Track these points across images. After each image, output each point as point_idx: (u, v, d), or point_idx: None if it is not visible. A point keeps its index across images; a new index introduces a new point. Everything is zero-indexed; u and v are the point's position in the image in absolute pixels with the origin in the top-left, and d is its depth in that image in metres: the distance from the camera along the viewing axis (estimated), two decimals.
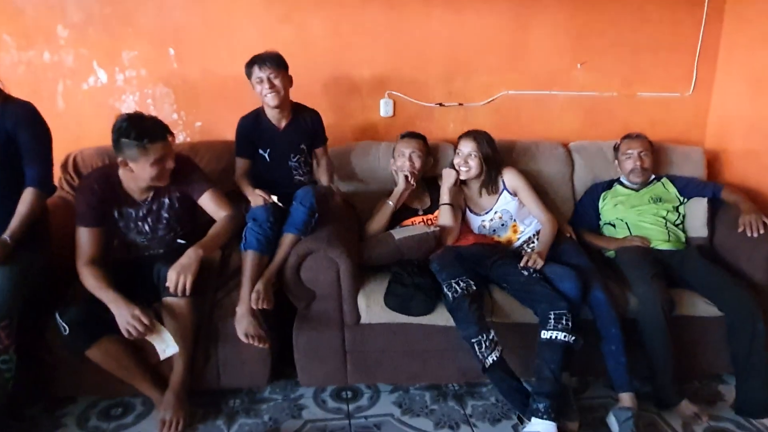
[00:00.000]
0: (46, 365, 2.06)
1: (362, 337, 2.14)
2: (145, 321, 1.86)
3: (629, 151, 2.58)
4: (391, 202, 2.38)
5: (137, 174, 1.95)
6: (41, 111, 2.02)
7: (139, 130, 1.88)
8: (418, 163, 2.46)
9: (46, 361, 2.05)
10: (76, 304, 1.93)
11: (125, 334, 1.87)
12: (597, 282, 2.11)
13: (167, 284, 1.89)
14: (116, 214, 2.05)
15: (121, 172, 1.99)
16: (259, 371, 2.15)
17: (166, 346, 1.95)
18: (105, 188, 2.00)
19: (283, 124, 2.40)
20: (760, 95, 2.74)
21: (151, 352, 2.01)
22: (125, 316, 1.85)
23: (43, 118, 2.03)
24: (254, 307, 1.97)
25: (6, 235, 1.87)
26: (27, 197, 1.94)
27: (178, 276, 1.88)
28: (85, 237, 1.97)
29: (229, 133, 2.82)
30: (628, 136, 2.64)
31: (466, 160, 2.42)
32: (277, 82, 2.26)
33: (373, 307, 2.10)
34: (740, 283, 2.17)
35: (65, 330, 1.88)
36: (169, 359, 2.00)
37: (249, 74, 2.31)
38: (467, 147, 2.43)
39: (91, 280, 1.92)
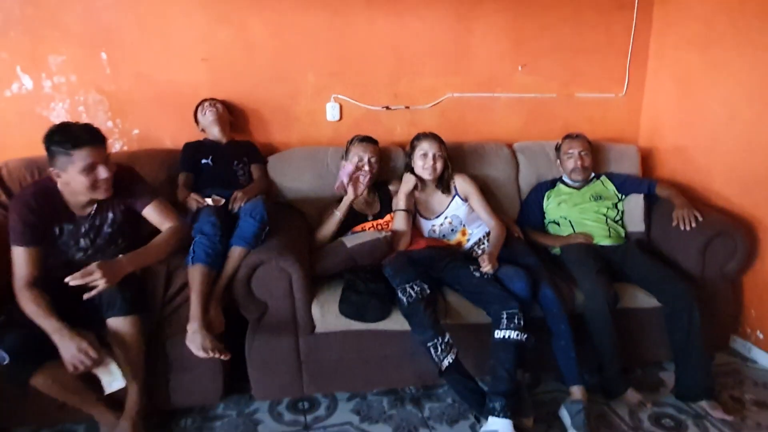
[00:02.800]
0: None
1: (317, 346, 2.11)
2: (93, 355, 1.75)
3: (570, 151, 2.67)
4: (338, 213, 2.34)
5: (72, 186, 1.84)
6: None
7: (65, 135, 1.79)
8: (375, 168, 2.45)
9: None
10: (14, 330, 1.78)
11: (70, 369, 1.74)
12: (545, 280, 2.16)
13: (81, 271, 1.73)
14: (56, 230, 1.92)
15: (60, 186, 1.87)
16: (211, 388, 2.09)
17: (113, 379, 1.83)
18: (43, 204, 1.87)
19: (225, 141, 2.60)
20: (686, 95, 2.90)
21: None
22: (71, 349, 1.73)
23: None
24: (207, 353, 1.87)
25: None
26: None
27: (98, 269, 1.73)
28: (21, 257, 1.83)
29: (168, 141, 2.74)
30: (568, 136, 2.73)
31: (434, 161, 2.43)
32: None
33: (327, 315, 2.07)
34: (677, 275, 2.29)
35: (5, 359, 1.73)
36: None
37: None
38: (432, 148, 2.43)
39: (31, 306, 1.78)
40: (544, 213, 2.71)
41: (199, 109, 2.62)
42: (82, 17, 2.54)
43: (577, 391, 2.09)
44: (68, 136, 1.78)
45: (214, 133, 2.57)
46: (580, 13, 2.99)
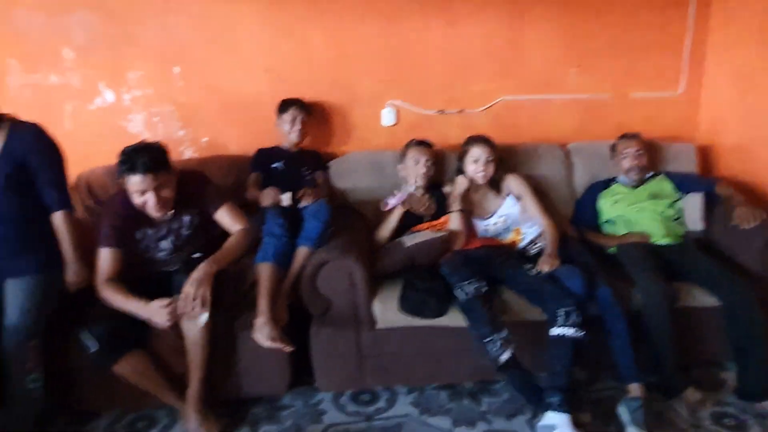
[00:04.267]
0: (69, 382, 2.11)
1: (378, 341, 2.21)
2: (171, 306, 1.91)
3: (626, 151, 2.67)
4: (393, 216, 2.45)
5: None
6: (49, 133, 2.03)
7: (125, 159, 1.93)
8: (431, 171, 2.55)
9: (69, 378, 2.10)
10: (102, 322, 1.98)
11: (164, 326, 1.91)
12: (602, 279, 2.19)
13: (181, 300, 1.92)
14: (138, 234, 2.10)
15: None
16: (278, 379, 2.21)
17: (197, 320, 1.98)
18: (128, 210, 2.04)
19: (295, 149, 2.78)
20: (748, 91, 2.84)
21: (174, 363, 2.07)
22: (155, 310, 1.90)
23: (51, 137, 2.02)
24: (273, 342, 2.01)
25: (72, 266, 2.00)
26: (60, 221, 1.99)
27: (195, 291, 1.92)
28: (106, 257, 2.02)
29: (234, 147, 2.92)
30: (624, 136, 2.73)
31: (485, 165, 2.50)
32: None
33: (387, 312, 2.17)
34: (737, 274, 2.26)
35: (93, 347, 1.93)
36: (185, 374, 2.05)
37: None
38: (484, 152, 2.50)
39: (112, 296, 1.98)
40: (597, 213, 2.72)
41: (285, 113, 2.71)
42: (158, 35, 2.75)
43: (635, 389, 2.10)
44: (126, 161, 1.93)
45: (291, 139, 2.71)
46: (634, 11, 2.99)
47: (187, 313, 1.93)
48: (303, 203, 2.39)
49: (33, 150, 1.95)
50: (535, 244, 2.46)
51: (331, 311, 2.19)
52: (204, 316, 1.96)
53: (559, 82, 3.05)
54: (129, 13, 2.71)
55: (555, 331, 2.02)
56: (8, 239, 1.95)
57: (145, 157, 1.93)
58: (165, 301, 1.91)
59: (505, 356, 1.98)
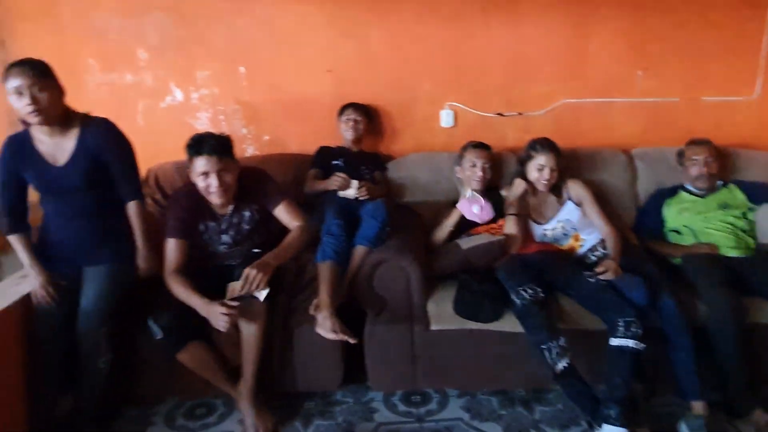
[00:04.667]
0: (136, 368, 2.22)
1: (432, 343, 2.21)
2: (231, 310, 1.96)
3: (694, 158, 2.56)
4: (450, 219, 2.44)
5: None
6: (122, 129, 2.13)
7: (193, 143, 2.04)
8: (488, 174, 2.53)
9: (136, 364, 2.21)
10: (167, 311, 2.06)
11: (222, 328, 1.96)
12: (666, 289, 2.11)
13: (241, 279, 1.98)
14: (201, 227, 2.18)
15: None
16: (332, 375, 2.25)
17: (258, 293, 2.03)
18: (192, 203, 2.14)
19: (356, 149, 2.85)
20: None
21: (232, 355, 2.15)
22: (216, 314, 1.96)
23: (122, 131, 2.11)
24: (337, 334, 2.05)
25: (143, 253, 2.13)
26: (133, 211, 2.12)
27: (256, 273, 1.97)
28: (173, 248, 2.11)
29: (294, 146, 2.99)
30: (692, 142, 2.62)
31: (550, 174, 2.45)
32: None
33: (442, 313, 2.17)
34: None
35: (159, 334, 2.02)
36: (239, 367, 2.12)
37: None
38: (551, 161, 2.45)
39: (178, 288, 2.06)
40: (662, 221, 2.63)
41: (343, 114, 2.80)
42: (225, 36, 2.86)
43: (697, 406, 2.02)
44: (194, 144, 2.04)
45: (349, 139, 2.79)
46: (706, 13, 2.86)
47: (247, 291, 1.99)
48: (361, 196, 2.45)
49: (106, 144, 2.04)
50: (595, 251, 2.40)
51: (386, 310, 2.21)
52: (264, 292, 2.02)
53: (624, 85, 2.96)
54: (199, 16, 2.82)
55: (615, 342, 1.97)
56: (87, 231, 2.07)
57: (212, 141, 2.03)
58: (225, 309, 1.95)
59: (562, 364, 1.95)
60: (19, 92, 1.84)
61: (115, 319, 2.07)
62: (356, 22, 2.86)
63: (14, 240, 2.05)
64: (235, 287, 2.02)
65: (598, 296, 2.09)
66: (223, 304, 1.96)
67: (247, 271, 1.99)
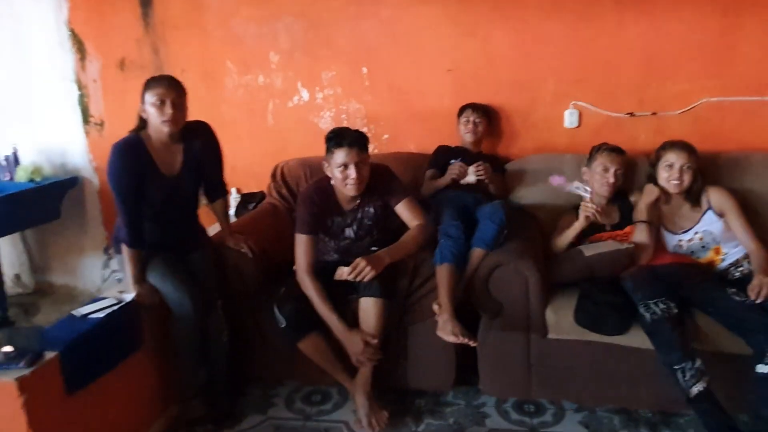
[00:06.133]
0: (260, 349, 2.37)
1: (548, 351, 2.14)
2: (371, 351, 2.11)
3: None
4: (576, 225, 2.29)
5: (334, 180, 2.17)
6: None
7: (334, 135, 2.15)
8: (620, 180, 2.39)
9: (260, 346, 2.36)
10: (291, 301, 2.18)
11: (356, 364, 2.14)
12: None
13: (350, 266, 2.08)
14: (329, 222, 2.27)
15: (333, 183, 2.21)
16: (444, 375, 2.25)
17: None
18: (322, 199, 2.23)
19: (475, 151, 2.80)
20: None
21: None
22: (352, 342, 2.12)
23: (215, 132, 2.23)
24: (458, 337, 2.04)
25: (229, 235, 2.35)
26: (222, 205, 2.37)
27: (365, 264, 2.05)
28: (303, 243, 2.20)
29: (413, 145, 3.02)
30: None
31: (680, 173, 2.28)
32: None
33: (561, 322, 2.09)
34: None
35: (283, 323, 2.14)
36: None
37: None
38: (681, 158, 2.27)
39: (311, 292, 2.16)
40: None
41: (462, 115, 2.78)
42: (349, 38, 2.95)
43: None
44: (335, 137, 2.14)
45: (467, 140, 2.77)
46: None
47: (353, 279, 2.08)
48: (479, 175, 2.47)
49: (206, 147, 2.18)
50: (740, 266, 2.18)
51: (502, 315, 2.16)
52: (371, 274, 2.08)
53: None
54: (326, 19, 2.94)
55: (762, 369, 1.78)
56: (189, 225, 2.27)
57: (353, 134, 2.14)
58: (363, 341, 2.10)
59: (698, 388, 1.79)
60: (162, 101, 1.96)
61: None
62: (479, 21, 2.81)
63: (132, 253, 2.05)
64: (343, 271, 2.13)
65: (743, 316, 1.89)
66: (364, 339, 2.09)
67: (358, 260, 2.06)
